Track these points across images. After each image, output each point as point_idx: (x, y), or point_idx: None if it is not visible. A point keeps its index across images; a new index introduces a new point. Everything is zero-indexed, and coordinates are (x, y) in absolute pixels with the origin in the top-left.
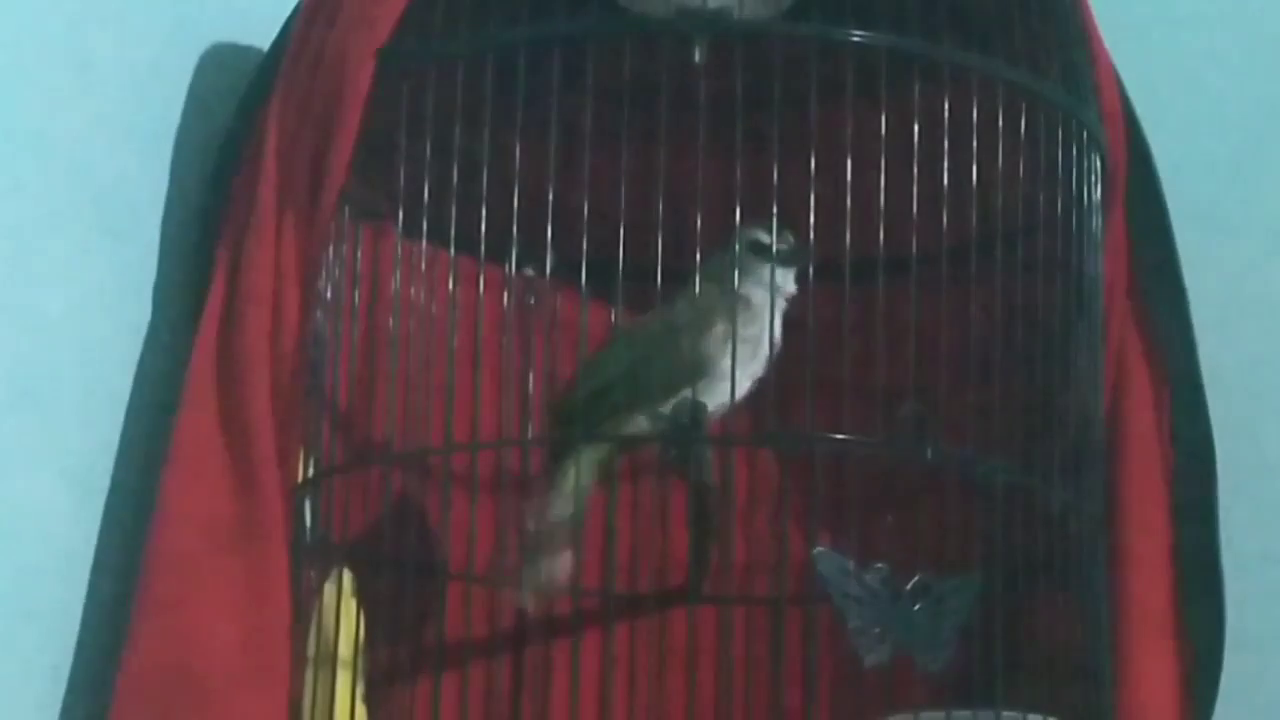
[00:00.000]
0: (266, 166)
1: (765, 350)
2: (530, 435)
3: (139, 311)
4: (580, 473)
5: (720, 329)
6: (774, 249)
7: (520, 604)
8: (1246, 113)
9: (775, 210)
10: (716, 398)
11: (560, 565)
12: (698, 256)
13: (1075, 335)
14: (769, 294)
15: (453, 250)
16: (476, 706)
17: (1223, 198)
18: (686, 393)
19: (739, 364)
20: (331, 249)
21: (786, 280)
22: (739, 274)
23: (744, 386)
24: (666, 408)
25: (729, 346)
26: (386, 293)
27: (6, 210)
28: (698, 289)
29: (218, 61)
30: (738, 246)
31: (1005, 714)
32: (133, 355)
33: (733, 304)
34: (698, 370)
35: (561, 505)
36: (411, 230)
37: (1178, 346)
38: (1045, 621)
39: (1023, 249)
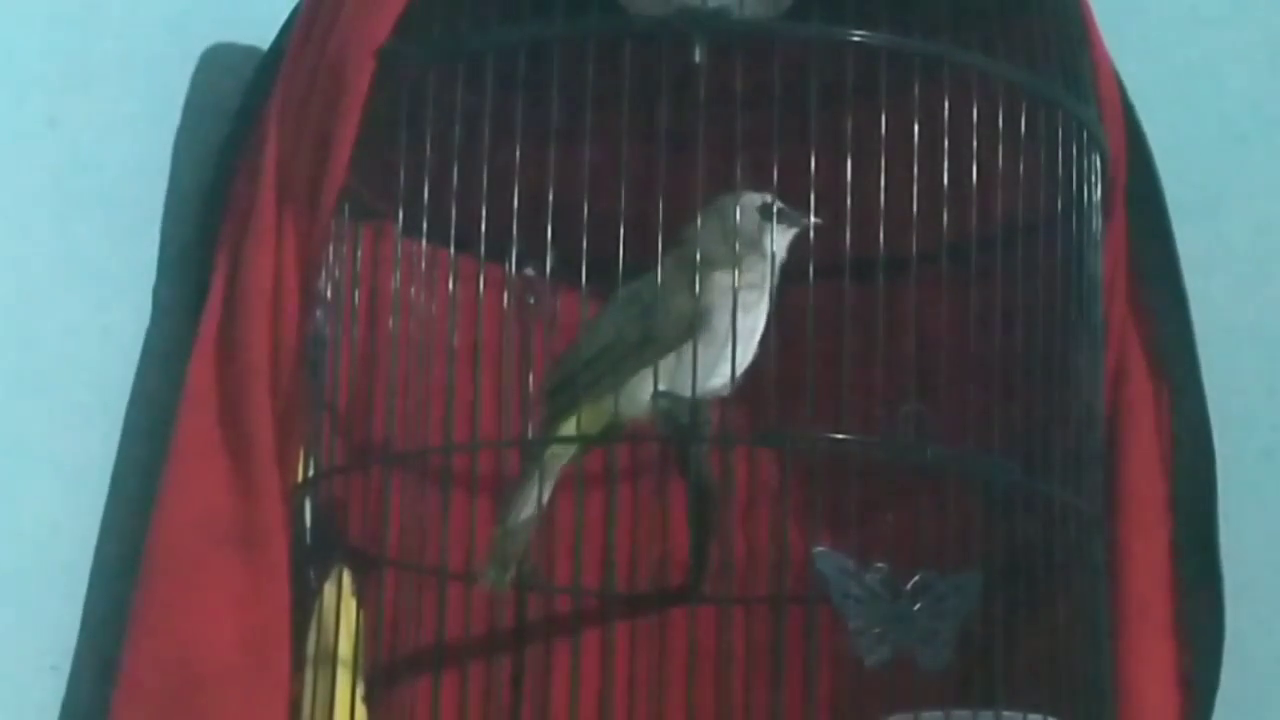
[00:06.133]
0: (266, 166)
1: (766, 302)
2: (530, 435)
3: (139, 311)
4: (544, 468)
5: (721, 278)
6: (769, 207)
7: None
8: (1247, 113)
9: (775, 212)
10: (719, 363)
11: (520, 561)
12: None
13: (1075, 335)
14: (769, 250)
15: (453, 250)
16: (476, 706)
17: (1223, 198)
18: (688, 350)
19: (744, 310)
20: (331, 249)
21: (784, 239)
22: (741, 225)
23: (749, 348)
24: (668, 367)
25: (731, 298)
26: (386, 293)
27: (6, 210)
28: (698, 245)
29: (218, 61)
30: (737, 210)
31: (1005, 714)
32: (133, 355)
33: (734, 251)
34: (699, 321)
35: (526, 501)
36: (411, 230)
37: (1178, 346)
38: (1045, 621)
39: (1023, 249)
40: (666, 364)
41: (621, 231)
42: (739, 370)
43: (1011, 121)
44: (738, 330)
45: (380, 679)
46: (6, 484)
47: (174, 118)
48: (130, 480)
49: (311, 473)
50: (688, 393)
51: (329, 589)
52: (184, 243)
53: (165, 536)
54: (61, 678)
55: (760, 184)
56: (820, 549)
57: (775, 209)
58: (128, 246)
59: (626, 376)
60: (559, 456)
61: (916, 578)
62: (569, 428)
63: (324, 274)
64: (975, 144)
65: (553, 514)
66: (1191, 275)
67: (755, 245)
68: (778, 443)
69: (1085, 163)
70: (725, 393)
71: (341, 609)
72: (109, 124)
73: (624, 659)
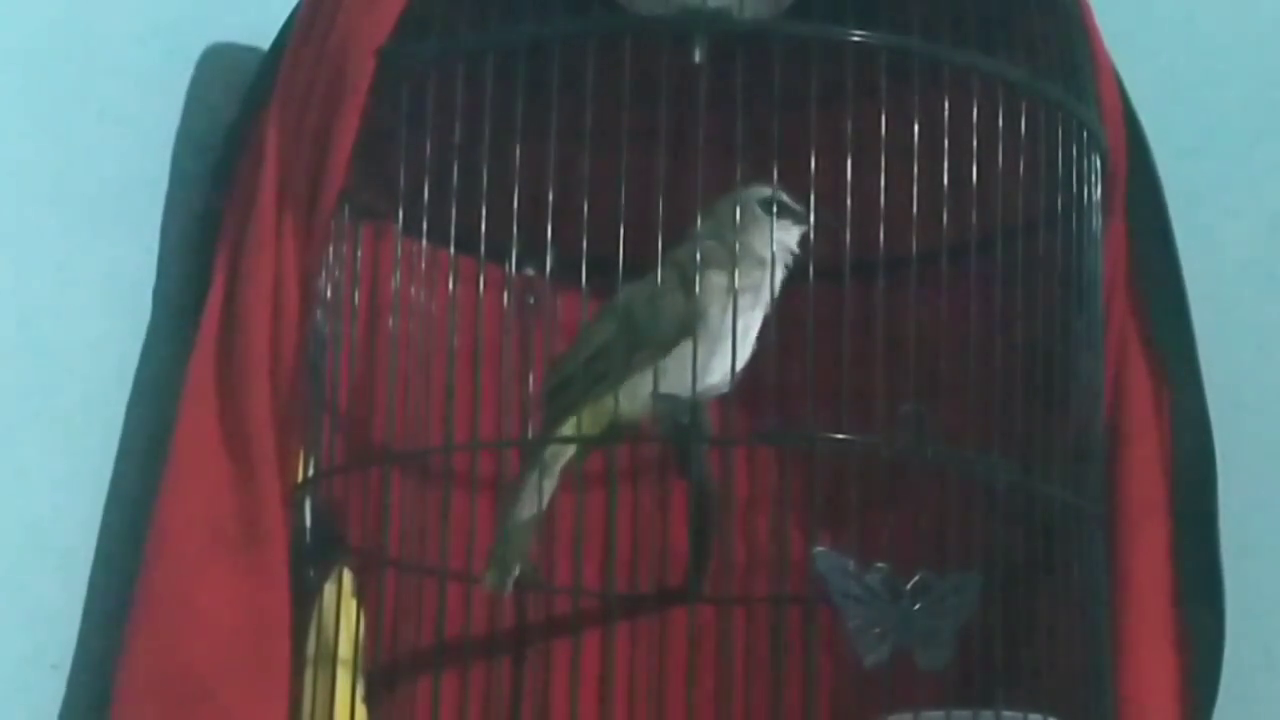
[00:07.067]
0: (266, 166)
1: (765, 300)
2: (530, 435)
3: (139, 311)
4: (547, 469)
5: (717, 278)
6: (774, 204)
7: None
8: (1246, 112)
9: (775, 211)
10: (715, 360)
11: (521, 562)
12: (698, 254)
13: (1075, 335)
14: (770, 247)
15: (453, 250)
16: (476, 706)
17: (1222, 197)
18: (686, 349)
19: (739, 312)
20: (331, 249)
21: (790, 236)
22: (741, 225)
23: (744, 348)
24: (666, 368)
25: (727, 298)
26: (386, 293)
27: (6, 210)
28: (697, 246)
29: (218, 61)
30: (736, 212)
31: (1005, 714)
32: (133, 355)
33: (733, 252)
34: (695, 321)
35: (527, 503)
36: (411, 230)
37: (1178, 346)
38: (1045, 621)
39: (1023, 249)
40: (665, 364)
41: (621, 231)
42: (735, 370)
43: (1011, 121)
44: (731, 330)
45: (380, 679)
46: (7, 483)
47: (174, 118)
48: (130, 480)
49: (311, 473)
50: (687, 393)
51: (329, 589)
52: (184, 243)
53: (165, 536)
54: (61, 677)
55: (761, 182)
56: (820, 549)
57: (776, 202)
58: (128, 246)
59: (625, 379)
60: (559, 456)
61: (916, 578)
62: (569, 428)
63: (324, 274)
64: (975, 144)
65: (553, 514)
66: (1191, 275)
67: (752, 245)
68: (778, 442)
69: (1085, 163)
70: (724, 389)
71: (341, 609)
72: (109, 124)
73: (624, 659)
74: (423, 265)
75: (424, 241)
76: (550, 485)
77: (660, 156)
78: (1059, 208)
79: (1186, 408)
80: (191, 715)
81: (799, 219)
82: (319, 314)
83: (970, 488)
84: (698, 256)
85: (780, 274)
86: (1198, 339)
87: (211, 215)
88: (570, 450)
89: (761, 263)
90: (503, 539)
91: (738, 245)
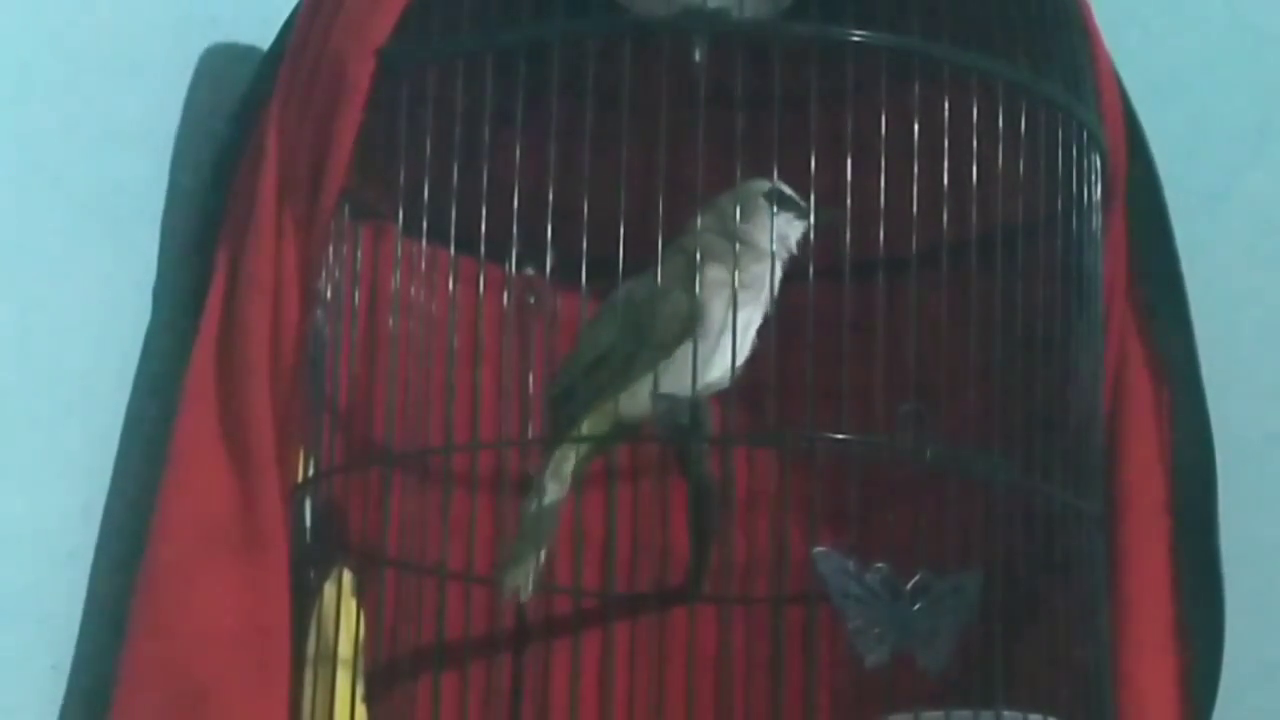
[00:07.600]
0: (266, 166)
1: (766, 296)
2: (530, 435)
3: (139, 311)
4: (554, 472)
5: (717, 273)
6: (775, 192)
7: (508, 600)
8: (1247, 112)
9: (775, 210)
10: (715, 355)
11: (537, 566)
12: (698, 253)
13: (1075, 335)
14: (771, 240)
15: (453, 250)
16: (476, 706)
17: (1223, 197)
18: (687, 348)
19: (739, 307)
20: (331, 249)
21: (792, 229)
22: (742, 216)
23: (744, 343)
24: (667, 367)
25: (728, 293)
26: (386, 293)
27: (6, 209)
28: (698, 241)
29: (218, 61)
30: (737, 208)
31: (1005, 714)
32: (133, 355)
33: (734, 246)
34: (694, 320)
35: (539, 505)
36: (411, 230)
37: (1178, 346)
38: (1045, 621)
39: (1023, 248)
40: (665, 364)
41: (621, 231)
42: (736, 365)
43: (1011, 122)
44: (731, 325)
45: (380, 679)
46: (6, 484)
47: (174, 118)
48: (130, 480)
49: (311, 473)
50: (687, 392)
51: (329, 589)
52: (184, 243)
53: (165, 536)
54: (61, 678)
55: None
56: (820, 549)
57: (778, 195)
58: (128, 246)
59: (627, 385)
60: (566, 459)
61: (916, 578)
62: (561, 453)
63: (324, 274)
64: (975, 144)
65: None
66: (1191, 275)
67: (754, 238)
68: (777, 443)
69: (1085, 163)
70: (725, 385)
71: (341, 609)
72: (109, 124)
73: (624, 659)
74: (423, 265)
75: (424, 241)
76: (559, 489)
77: (660, 156)
78: (1059, 208)
79: (1186, 407)
80: (191, 716)
81: (801, 212)
82: (319, 314)
83: (970, 488)
84: (698, 254)
85: (780, 269)
86: (1198, 339)
87: (211, 215)
88: (577, 456)
89: (762, 257)
90: (522, 542)
91: (738, 240)
